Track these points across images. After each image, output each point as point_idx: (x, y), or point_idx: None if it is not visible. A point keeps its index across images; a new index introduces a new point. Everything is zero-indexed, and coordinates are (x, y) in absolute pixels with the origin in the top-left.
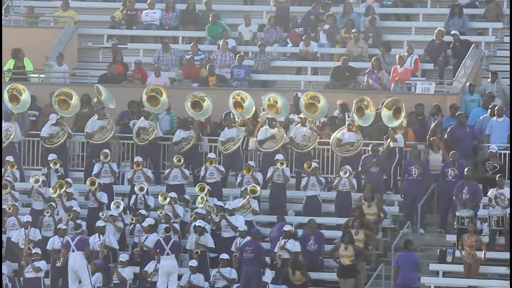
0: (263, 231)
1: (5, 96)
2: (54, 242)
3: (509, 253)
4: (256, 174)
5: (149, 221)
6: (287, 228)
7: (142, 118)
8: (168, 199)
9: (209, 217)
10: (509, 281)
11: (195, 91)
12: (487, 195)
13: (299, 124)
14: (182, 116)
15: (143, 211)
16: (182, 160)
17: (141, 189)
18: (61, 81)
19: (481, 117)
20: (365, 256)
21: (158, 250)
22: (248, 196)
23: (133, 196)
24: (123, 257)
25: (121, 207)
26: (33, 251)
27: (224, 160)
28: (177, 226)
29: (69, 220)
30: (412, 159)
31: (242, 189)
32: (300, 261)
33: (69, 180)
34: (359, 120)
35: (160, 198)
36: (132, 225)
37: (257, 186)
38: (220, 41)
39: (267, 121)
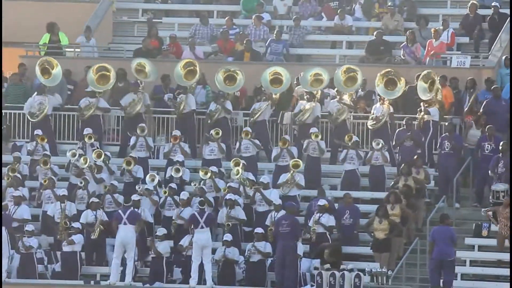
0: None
1: (37, 69)
2: (88, 216)
3: None
4: (291, 148)
5: (186, 194)
6: (321, 202)
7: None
8: (209, 174)
9: (240, 190)
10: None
11: (228, 65)
12: None
13: (336, 99)
14: (217, 90)
15: (173, 185)
16: (220, 133)
17: (177, 171)
18: (95, 55)
19: None
20: (399, 230)
21: (192, 224)
22: (292, 171)
23: (169, 170)
24: (160, 231)
25: (156, 180)
26: (72, 225)
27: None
28: (211, 199)
29: (105, 194)
30: (446, 133)
31: (285, 164)
32: (339, 250)
33: (108, 153)
34: (385, 93)
35: (201, 173)
36: (164, 198)
37: (299, 160)
38: (254, 15)
39: (305, 95)
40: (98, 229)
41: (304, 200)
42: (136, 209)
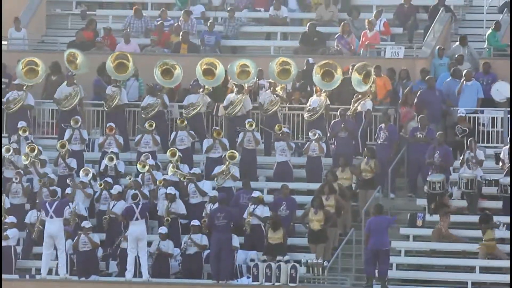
0: None
1: None
2: (31, 216)
3: (472, 216)
4: (223, 140)
5: (117, 188)
6: (255, 194)
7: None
8: (147, 167)
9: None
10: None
11: (166, 58)
12: (460, 158)
13: (269, 90)
14: (152, 83)
15: (109, 179)
16: (154, 125)
17: (111, 159)
18: (25, 48)
19: (445, 81)
20: (334, 221)
21: (127, 216)
22: (227, 162)
23: (103, 162)
24: (86, 223)
25: (90, 174)
26: (7, 220)
27: (188, 126)
28: (146, 192)
29: (41, 187)
30: (382, 124)
31: (222, 156)
32: (279, 221)
33: (39, 147)
34: (323, 85)
35: (138, 166)
36: (99, 192)
37: (235, 151)
38: (183, 10)
39: (234, 87)
40: (37, 228)
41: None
42: (68, 202)
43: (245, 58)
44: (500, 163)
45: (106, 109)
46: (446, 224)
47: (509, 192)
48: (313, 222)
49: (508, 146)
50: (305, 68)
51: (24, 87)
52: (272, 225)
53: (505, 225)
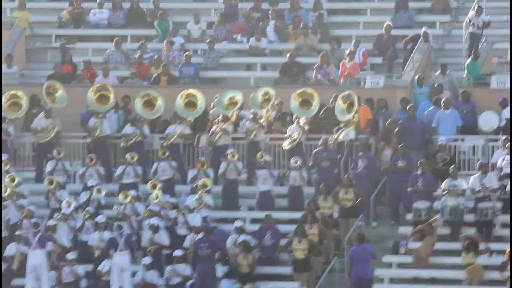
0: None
1: None
2: (11, 249)
3: (455, 243)
4: (208, 170)
5: (102, 218)
6: (237, 224)
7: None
8: (129, 198)
9: (161, 214)
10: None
11: (146, 90)
12: (441, 186)
13: (249, 120)
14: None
15: (91, 209)
16: (136, 158)
17: (99, 191)
18: (10, 82)
19: (427, 110)
20: (318, 249)
21: (111, 247)
22: (200, 191)
23: (84, 194)
24: (70, 255)
25: (73, 205)
26: None
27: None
28: (133, 224)
29: (23, 219)
30: (360, 153)
31: (194, 185)
32: (249, 244)
33: (19, 179)
34: (301, 113)
35: (120, 197)
36: (82, 222)
37: (206, 180)
38: (165, 40)
39: (219, 117)
40: (16, 260)
41: (223, 222)
42: (49, 234)
43: (232, 90)
44: (495, 171)
45: (88, 141)
46: (428, 248)
47: (489, 216)
48: (297, 251)
49: (503, 157)
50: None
51: (7, 121)
52: (243, 249)
53: (492, 253)
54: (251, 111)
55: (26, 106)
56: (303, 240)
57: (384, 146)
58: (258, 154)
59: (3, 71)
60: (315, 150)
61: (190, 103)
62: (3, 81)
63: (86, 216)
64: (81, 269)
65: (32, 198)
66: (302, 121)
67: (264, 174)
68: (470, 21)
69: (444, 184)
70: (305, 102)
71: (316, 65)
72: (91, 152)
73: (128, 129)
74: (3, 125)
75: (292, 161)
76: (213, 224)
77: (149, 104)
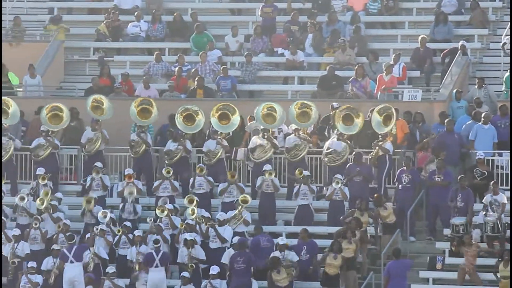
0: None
1: None
2: (48, 263)
3: (496, 259)
4: (239, 183)
5: (139, 232)
6: (282, 241)
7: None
8: (165, 212)
9: (197, 228)
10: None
11: (186, 104)
12: (482, 201)
13: (292, 134)
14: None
15: (128, 223)
16: (171, 172)
17: (131, 192)
18: (41, 95)
19: (465, 124)
20: (353, 264)
21: (147, 262)
22: (240, 207)
23: (121, 204)
24: (110, 268)
25: (108, 216)
26: (29, 265)
27: (208, 171)
28: (168, 237)
29: (59, 233)
30: (404, 167)
31: (235, 200)
32: (279, 260)
33: (59, 194)
34: (344, 129)
35: (157, 211)
36: (118, 236)
37: (247, 196)
38: (201, 52)
39: (260, 131)
40: (53, 274)
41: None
42: (87, 247)
43: (268, 102)
44: None
45: (132, 155)
46: (471, 262)
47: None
48: (331, 267)
49: None
50: (331, 113)
51: (50, 133)
52: (270, 265)
53: None
54: (292, 127)
55: (67, 118)
56: (338, 256)
57: (432, 159)
58: (297, 171)
59: (26, 82)
60: (348, 164)
61: (224, 115)
62: (32, 94)
63: (121, 231)
64: (121, 282)
65: (72, 212)
66: (345, 136)
67: (304, 189)
68: (505, 43)
69: (485, 199)
70: (347, 118)
71: (351, 78)
72: (135, 165)
73: (171, 145)
74: (48, 137)
75: (333, 183)
76: (249, 238)
77: (190, 118)
